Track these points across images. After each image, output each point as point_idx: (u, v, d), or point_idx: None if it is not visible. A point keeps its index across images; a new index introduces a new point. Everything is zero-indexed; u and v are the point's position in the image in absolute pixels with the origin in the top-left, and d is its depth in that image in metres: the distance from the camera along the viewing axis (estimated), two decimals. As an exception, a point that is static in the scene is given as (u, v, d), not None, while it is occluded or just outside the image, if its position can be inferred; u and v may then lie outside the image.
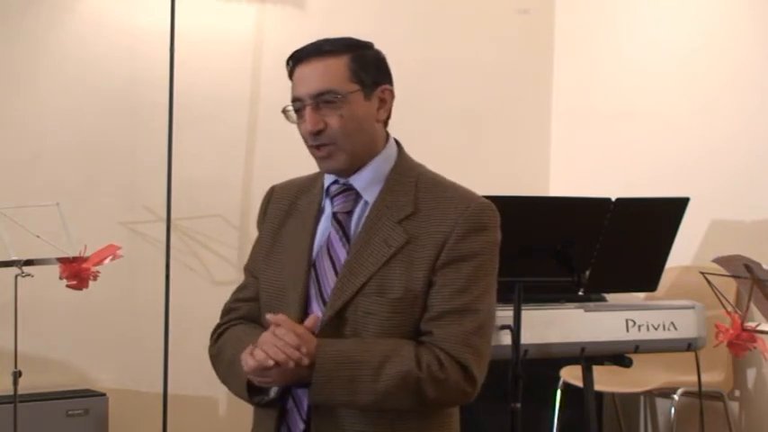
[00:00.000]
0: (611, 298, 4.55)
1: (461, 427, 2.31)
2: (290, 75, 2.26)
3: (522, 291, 3.47)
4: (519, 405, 3.47)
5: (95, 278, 3.91)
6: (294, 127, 2.27)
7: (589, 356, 3.70)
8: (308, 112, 2.20)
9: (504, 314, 3.47)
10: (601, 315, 3.66)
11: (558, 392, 4.78)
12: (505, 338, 3.47)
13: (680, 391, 4.56)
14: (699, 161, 5.04)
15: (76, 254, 3.84)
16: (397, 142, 2.31)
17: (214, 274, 5.05)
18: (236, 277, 5.00)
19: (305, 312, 2.22)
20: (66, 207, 3.93)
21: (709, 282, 3.42)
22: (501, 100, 5.69)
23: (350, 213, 2.26)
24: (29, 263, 3.83)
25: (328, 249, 2.24)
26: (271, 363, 2.09)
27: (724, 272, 3.43)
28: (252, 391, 2.24)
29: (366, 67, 2.23)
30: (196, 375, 4.73)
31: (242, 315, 2.36)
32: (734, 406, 4.82)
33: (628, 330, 3.66)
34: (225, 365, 2.30)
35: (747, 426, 4.83)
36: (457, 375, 2.14)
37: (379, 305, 2.16)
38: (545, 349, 3.58)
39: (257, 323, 2.32)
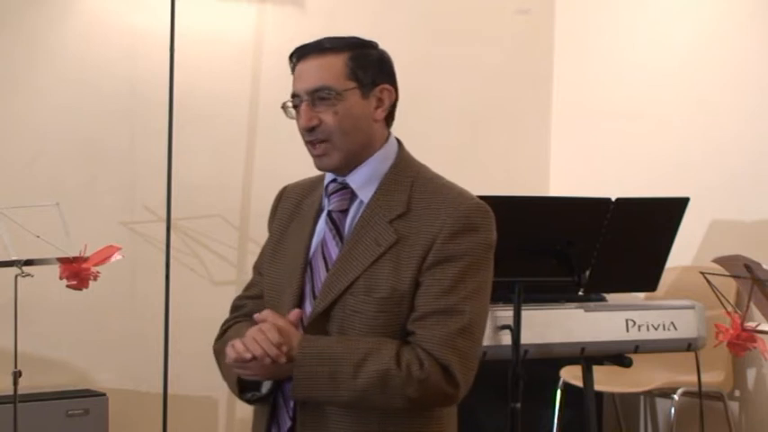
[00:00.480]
0: (611, 298, 4.54)
1: (461, 428, 2.31)
2: (293, 71, 2.27)
3: (522, 291, 3.47)
4: (519, 405, 3.47)
5: (95, 278, 3.90)
6: (294, 127, 2.28)
7: (589, 356, 3.70)
8: (303, 107, 2.22)
9: (504, 314, 3.47)
10: (601, 315, 3.66)
11: (558, 392, 4.78)
12: (505, 338, 3.47)
13: (680, 391, 4.57)
14: (699, 161, 5.04)
15: (76, 254, 3.84)
16: (399, 142, 2.31)
17: (214, 274, 5.05)
18: (235, 277, 5.02)
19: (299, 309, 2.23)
20: (67, 207, 3.93)
21: (709, 282, 3.42)
22: (501, 100, 5.69)
23: (345, 212, 2.26)
24: (29, 263, 3.82)
25: (322, 248, 2.25)
26: (248, 356, 2.12)
27: (724, 272, 3.43)
28: (246, 388, 2.25)
29: (365, 65, 2.23)
30: (196, 375, 4.74)
31: (247, 312, 2.37)
32: (734, 406, 4.82)
33: (628, 330, 3.66)
34: (224, 362, 2.31)
35: (747, 426, 4.83)
36: (437, 376, 2.12)
37: (366, 304, 2.17)
38: (545, 349, 3.58)
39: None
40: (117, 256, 3.94)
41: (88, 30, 4.84)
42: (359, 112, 2.22)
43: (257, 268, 2.43)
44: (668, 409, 4.81)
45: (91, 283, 3.91)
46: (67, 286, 3.91)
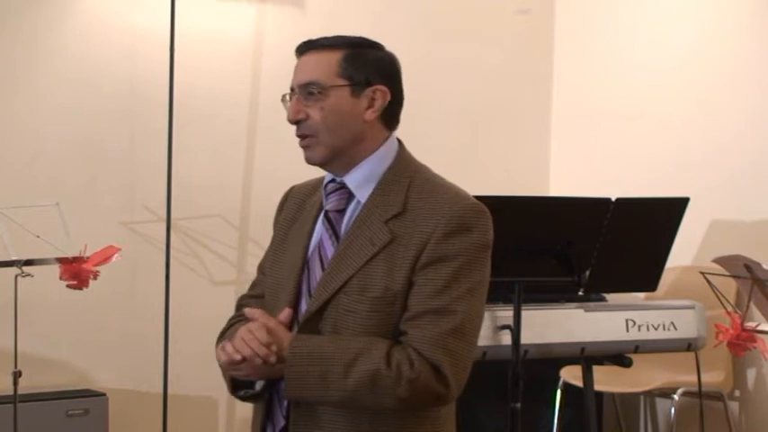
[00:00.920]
0: (611, 298, 4.54)
1: (461, 428, 2.31)
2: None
3: (522, 291, 3.47)
4: (519, 405, 3.47)
5: (95, 278, 3.91)
6: (294, 127, 2.28)
7: (589, 356, 3.70)
8: (293, 100, 2.24)
9: (504, 314, 3.47)
10: (601, 315, 3.66)
11: (558, 392, 4.78)
12: (505, 338, 3.47)
13: (680, 391, 4.57)
14: (699, 161, 5.04)
15: (76, 254, 3.84)
16: (400, 142, 2.31)
17: (214, 274, 5.05)
18: (236, 277, 5.01)
19: (294, 308, 2.24)
20: (67, 207, 3.93)
21: (709, 282, 3.42)
22: (501, 100, 5.69)
23: (342, 212, 2.27)
24: (29, 263, 3.82)
25: (319, 248, 2.26)
26: (238, 357, 2.14)
27: (724, 272, 3.43)
28: (240, 385, 2.27)
29: (360, 64, 2.23)
30: (196, 375, 4.74)
31: None
32: (734, 406, 4.82)
33: (628, 330, 3.66)
34: None
35: (747, 426, 4.83)
36: (428, 376, 2.12)
37: (359, 303, 2.17)
38: (545, 349, 3.58)
39: None
40: (117, 256, 3.94)
41: (88, 30, 4.84)
42: (346, 110, 2.22)
43: (261, 268, 2.44)
44: (668, 409, 4.81)
45: (91, 283, 3.91)
46: (67, 286, 3.91)
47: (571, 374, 4.66)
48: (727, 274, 3.41)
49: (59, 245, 3.83)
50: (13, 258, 3.80)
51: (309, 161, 2.27)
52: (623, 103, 5.41)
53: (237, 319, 2.39)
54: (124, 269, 4.64)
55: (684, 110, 5.14)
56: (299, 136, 2.25)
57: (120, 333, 4.87)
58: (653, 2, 5.35)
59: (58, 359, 4.78)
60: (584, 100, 5.65)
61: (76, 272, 3.86)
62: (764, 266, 3.26)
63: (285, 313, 2.20)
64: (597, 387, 3.97)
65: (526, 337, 3.47)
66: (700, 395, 4.05)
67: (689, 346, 3.75)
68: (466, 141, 5.58)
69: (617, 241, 3.65)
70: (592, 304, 3.74)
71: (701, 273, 3.49)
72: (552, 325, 3.58)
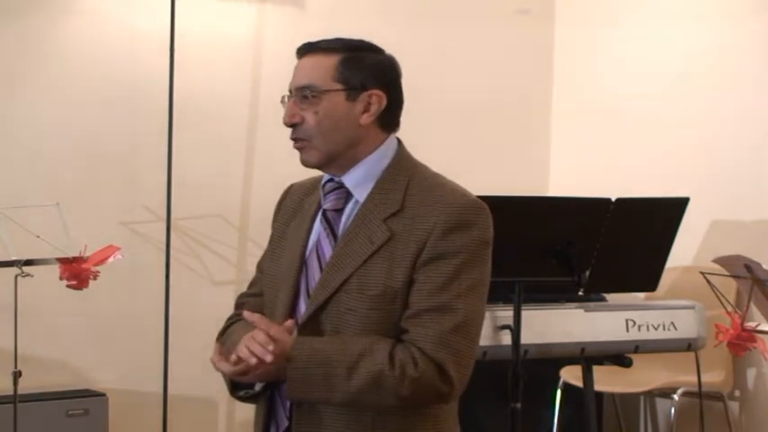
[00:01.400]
0: (611, 298, 4.54)
1: (462, 428, 2.31)
2: None
3: (522, 291, 3.47)
4: (519, 405, 3.47)
5: (95, 278, 3.91)
6: (291, 129, 2.29)
7: (589, 356, 3.70)
8: (289, 103, 2.24)
9: (504, 314, 3.47)
10: (601, 315, 3.66)
11: (558, 392, 4.78)
12: (505, 338, 3.47)
13: (680, 391, 4.57)
14: (699, 161, 5.04)
15: (76, 254, 3.84)
16: (399, 142, 2.30)
17: (214, 274, 5.05)
18: (235, 277, 5.01)
19: (293, 308, 2.24)
20: (67, 207, 3.94)
21: (709, 282, 3.42)
22: (501, 100, 5.69)
23: (341, 211, 2.26)
24: (29, 263, 3.83)
25: (317, 247, 2.26)
26: (242, 367, 2.14)
27: (724, 272, 3.43)
28: (239, 386, 2.27)
29: (356, 69, 2.23)
30: (196, 375, 4.72)
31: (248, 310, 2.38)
32: (734, 406, 4.82)
33: (628, 330, 3.66)
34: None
35: (747, 426, 4.83)
36: (431, 374, 2.12)
37: (359, 301, 2.17)
38: (545, 349, 3.58)
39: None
40: (117, 256, 3.94)
41: (88, 30, 4.84)
42: (340, 114, 2.22)
43: (260, 266, 2.44)
44: (668, 409, 4.81)
45: (91, 282, 3.91)
46: (67, 286, 3.91)
47: (571, 374, 4.66)
48: (727, 274, 3.41)
49: (59, 245, 3.83)
50: (13, 258, 3.80)
51: (305, 164, 2.27)
52: (623, 103, 5.41)
53: (236, 318, 2.39)
54: (124, 269, 4.64)
55: (684, 110, 5.14)
56: (293, 139, 2.25)
57: (120, 333, 4.87)
58: (653, 2, 5.35)
59: (58, 359, 4.78)
60: (584, 100, 5.64)
61: (76, 272, 3.86)
62: (764, 266, 3.26)
63: (289, 324, 2.18)
64: (597, 387, 3.96)
65: (526, 337, 3.47)
66: (700, 395, 4.05)
67: (689, 346, 3.75)
68: (466, 141, 5.58)
69: (617, 241, 3.65)
70: (592, 304, 3.74)
71: (701, 273, 3.49)
72: (552, 325, 3.58)
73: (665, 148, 5.20)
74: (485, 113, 5.65)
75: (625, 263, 3.74)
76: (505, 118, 5.72)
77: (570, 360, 4.44)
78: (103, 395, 4.63)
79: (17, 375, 3.95)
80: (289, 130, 2.29)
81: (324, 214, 2.28)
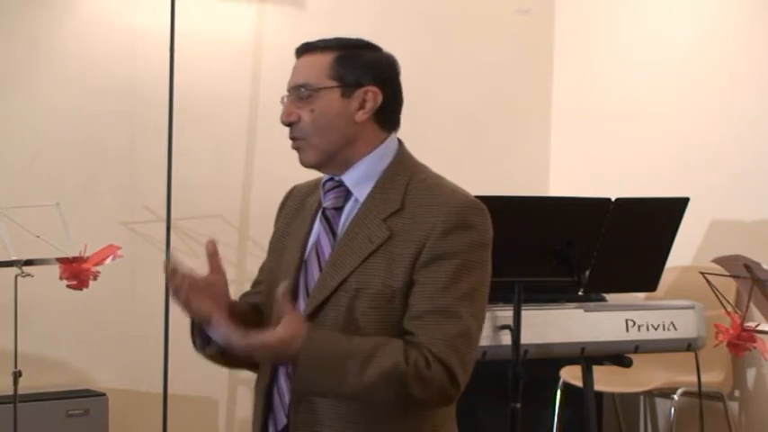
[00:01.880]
0: (611, 298, 4.55)
1: (461, 428, 2.31)
2: None
3: (522, 291, 3.47)
4: (519, 405, 3.47)
5: (95, 278, 3.91)
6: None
7: (589, 356, 3.70)
8: (286, 103, 2.25)
9: (504, 314, 3.47)
10: (601, 315, 3.66)
11: (558, 392, 4.79)
12: (505, 338, 3.47)
13: (680, 391, 4.57)
14: (699, 161, 5.04)
15: (76, 254, 3.85)
16: (400, 142, 2.30)
17: (214, 274, 5.04)
18: (236, 277, 5.00)
19: None
20: (66, 207, 3.94)
21: (709, 282, 3.43)
22: (501, 100, 5.69)
23: (340, 210, 2.26)
24: (29, 263, 3.83)
25: (316, 246, 2.26)
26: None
27: (724, 272, 3.44)
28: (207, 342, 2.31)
29: (352, 66, 2.22)
30: (196, 375, 4.72)
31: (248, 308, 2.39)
32: (734, 406, 4.82)
33: (628, 330, 3.66)
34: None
35: (747, 426, 4.83)
36: (442, 376, 2.11)
37: (358, 301, 2.16)
38: (545, 349, 3.58)
39: (260, 313, 2.34)
40: (117, 256, 3.95)
41: (88, 30, 4.84)
42: (336, 112, 2.22)
43: (261, 267, 2.45)
44: (668, 409, 4.81)
45: (91, 283, 3.91)
46: (67, 286, 3.91)
47: (571, 374, 4.66)
48: (727, 274, 3.41)
49: (59, 245, 3.83)
50: (13, 258, 3.80)
51: (303, 164, 2.28)
52: (623, 104, 5.41)
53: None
54: (124, 269, 4.64)
55: (684, 110, 5.14)
56: (291, 138, 2.26)
57: (120, 333, 4.87)
58: (653, 2, 5.35)
59: (58, 359, 4.78)
60: (584, 100, 5.65)
61: (76, 272, 3.86)
62: (764, 266, 3.26)
63: (281, 288, 2.14)
64: (597, 387, 3.96)
65: (526, 337, 3.47)
66: (699, 395, 4.05)
67: (689, 346, 3.75)
68: (466, 141, 5.58)
69: (617, 241, 3.65)
70: (592, 304, 3.74)
71: (701, 273, 3.49)
72: (552, 325, 3.58)
73: (664, 148, 5.20)
74: (485, 113, 5.65)
75: (625, 263, 3.74)
76: (505, 118, 5.72)
77: (570, 360, 4.44)
78: (103, 395, 4.62)
79: (17, 375, 3.95)
80: (288, 130, 2.29)
81: (323, 213, 2.28)
